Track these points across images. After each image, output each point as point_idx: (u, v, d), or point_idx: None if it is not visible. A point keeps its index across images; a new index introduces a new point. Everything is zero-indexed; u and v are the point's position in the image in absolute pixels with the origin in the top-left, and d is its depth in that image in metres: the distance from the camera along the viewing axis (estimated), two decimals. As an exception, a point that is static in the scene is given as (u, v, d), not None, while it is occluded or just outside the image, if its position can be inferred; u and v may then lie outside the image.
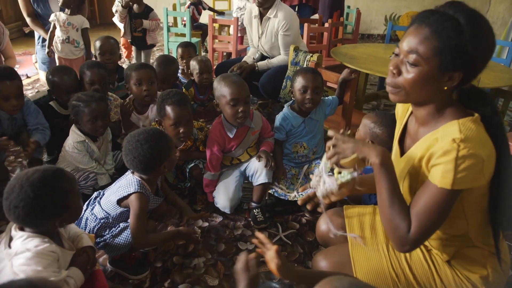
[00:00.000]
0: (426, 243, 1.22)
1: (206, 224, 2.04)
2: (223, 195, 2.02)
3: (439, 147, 0.99)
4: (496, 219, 1.11)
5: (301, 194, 2.02)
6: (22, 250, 1.17)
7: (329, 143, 1.16)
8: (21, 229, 1.23)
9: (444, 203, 1.00)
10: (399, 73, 1.05)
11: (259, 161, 2.01)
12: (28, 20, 3.49)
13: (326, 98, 2.21)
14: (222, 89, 1.92)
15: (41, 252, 1.18)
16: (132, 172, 1.63)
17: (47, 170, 1.21)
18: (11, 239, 1.24)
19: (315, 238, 1.95)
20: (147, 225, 1.60)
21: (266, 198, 2.18)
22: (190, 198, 2.24)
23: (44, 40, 3.52)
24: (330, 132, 1.17)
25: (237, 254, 1.83)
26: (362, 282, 0.75)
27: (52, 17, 3.19)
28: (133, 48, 4.34)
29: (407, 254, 1.22)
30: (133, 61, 5.15)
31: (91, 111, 1.96)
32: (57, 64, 3.36)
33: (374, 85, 4.58)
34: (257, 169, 2.00)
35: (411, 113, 1.21)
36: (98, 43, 2.79)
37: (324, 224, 1.48)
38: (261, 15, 3.04)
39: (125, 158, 1.59)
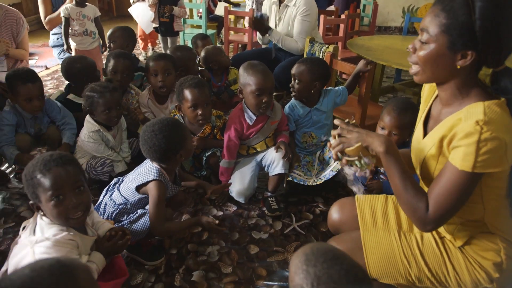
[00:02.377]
0: (440, 229, 1.22)
1: (221, 213, 2.06)
2: (238, 185, 2.03)
3: (462, 129, 0.99)
4: None
5: (320, 179, 2.05)
6: (42, 239, 1.20)
7: (334, 132, 1.18)
8: (45, 215, 1.27)
9: (464, 186, 1.00)
10: (415, 51, 1.09)
11: (277, 151, 2.01)
12: (46, 20, 3.56)
13: (336, 88, 2.19)
14: (247, 78, 1.91)
15: (59, 241, 1.20)
16: (151, 160, 1.65)
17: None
18: (35, 225, 1.29)
19: (328, 229, 1.96)
20: (165, 213, 1.62)
21: (284, 186, 2.19)
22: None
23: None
24: (336, 121, 1.20)
25: (250, 243, 1.85)
26: (338, 250, 0.79)
27: (64, 12, 3.20)
28: (159, 35, 4.38)
29: (419, 242, 1.22)
30: (150, 52, 5.21)
31: (105, 101, 2.00)
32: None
33: (390, 78, 4.52)
34: (274, 159, 2.01)
35: (437, 96, 1.21)
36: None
37: (335, 213, 1.49)
38: (280, 2, 3.06)
39: (141, 148, 1.62)
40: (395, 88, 3.66)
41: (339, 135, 1.16)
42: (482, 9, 0.96)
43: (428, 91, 1.30)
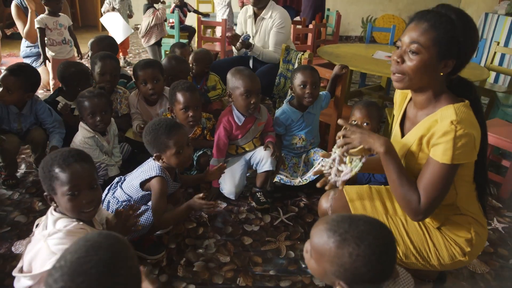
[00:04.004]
0: None
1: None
2: (229, 182, 2.17)
3: (439, 129, 1.19)
4: (481, 186, 1.36)
5: (305, 179, 2.21)
6: (54, 231, 1.26)
7: (339, 133, 1.31)
8: (55, 209, 1.33)
9: (446, 176, 1.20)
10: (403, 61, 1.23)
11: (265, 150, 2.17)
12: (25, 35, 3.55)
13: (321, 93, 2.39)
14: (236, 82, 2.07)
15: (71, 231, 1.27)
16: (154, 159, 1.76)
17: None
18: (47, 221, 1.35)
19: (313, 219, 2.14)
20: (166, 206, 1.72)
21: (268, 188, 2.35)
22: (195, 187, 2.38)
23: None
24: (339, 121, 1.33)
25: (244, 235, 1.99)
26: (343, 214, 0.94)
27: (39, 23, 3.21)
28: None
29: (405, 223, 1.41)
30: (121, 61, 5.23)
31: (90, 106, 2.07)
32: (50, 65, 3.42)
33: (355, 84, 4.82)
34: (262, 158, 2.17)
35: (410, 99, 1.41)
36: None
37: (325, 203, 1.63)
38: (255, 15, 3.22)
39: None
40: (362, 92, 3.93)
41: (344, 136, 1.29)
42: (461, 27, 1.16)
43: (400, 97, 1.50)
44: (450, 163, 1.17)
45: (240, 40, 3.06)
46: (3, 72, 2.15)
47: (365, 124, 2.08)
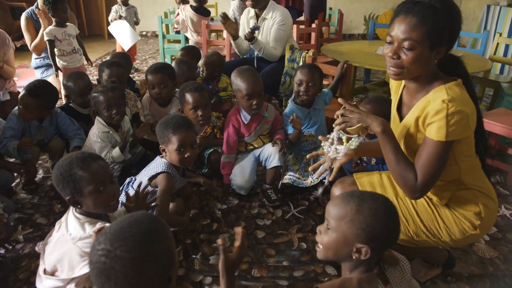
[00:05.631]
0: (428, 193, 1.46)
1: (225, 206, 2.25)
2: (240, 178, 2.24)
3: (432, 108, 1.25)
4: (483, 157, 1.43)
5: (317, 179, 2.24)
6: (86, 236, 1.31)
7: (338, 112, 1.38)
8: (80, 211, 1.38)
9: (441, 154, 1.25)
10: (398, 57, 1.28)
11: (273, 146, 2.24)
12: (32, 47, 3.64)
13: (324, 89, 2.44)
14: (238, 84, 2.15)
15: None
16: (161, 156, 1.83)
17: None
18: (67, 222, 1.38)
19: (323, 212, 2.18)
20: (169, 203, 1.78)
21: (278, 185, 2.39)
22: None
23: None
24: (340, 100, 1.40)
25: (256, 229, 2.05)
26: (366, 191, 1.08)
27: (48, 36, 3.28)
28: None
29: (414, 203, 1.46)
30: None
31: (105, 99, 2.16)
32: (62, 75, 3.51)
33: (360, 80, 4.86)
34: (270, 154, 2.24)
35: (404, 86, 1.47)
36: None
37: (337, 191, 1.68)
38: (257, 16, 3.28)
39: None
40: (367, 88, 3.98)
41: (342, 115, 1.36)
42: (446, 14, 1.23)
43: (396, 84, 1.55)
44: (445, 140, 1.23)
45: (249, 30, 3.08)
46: (22, 92, 2.20)
47: None
